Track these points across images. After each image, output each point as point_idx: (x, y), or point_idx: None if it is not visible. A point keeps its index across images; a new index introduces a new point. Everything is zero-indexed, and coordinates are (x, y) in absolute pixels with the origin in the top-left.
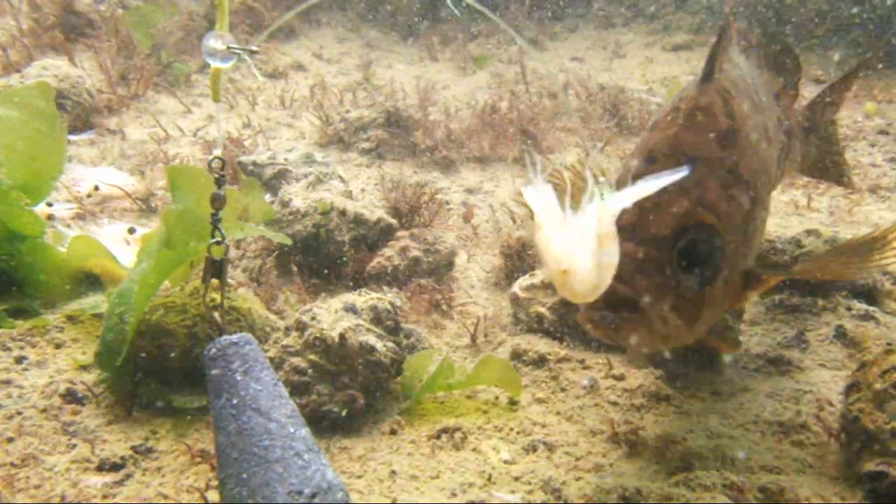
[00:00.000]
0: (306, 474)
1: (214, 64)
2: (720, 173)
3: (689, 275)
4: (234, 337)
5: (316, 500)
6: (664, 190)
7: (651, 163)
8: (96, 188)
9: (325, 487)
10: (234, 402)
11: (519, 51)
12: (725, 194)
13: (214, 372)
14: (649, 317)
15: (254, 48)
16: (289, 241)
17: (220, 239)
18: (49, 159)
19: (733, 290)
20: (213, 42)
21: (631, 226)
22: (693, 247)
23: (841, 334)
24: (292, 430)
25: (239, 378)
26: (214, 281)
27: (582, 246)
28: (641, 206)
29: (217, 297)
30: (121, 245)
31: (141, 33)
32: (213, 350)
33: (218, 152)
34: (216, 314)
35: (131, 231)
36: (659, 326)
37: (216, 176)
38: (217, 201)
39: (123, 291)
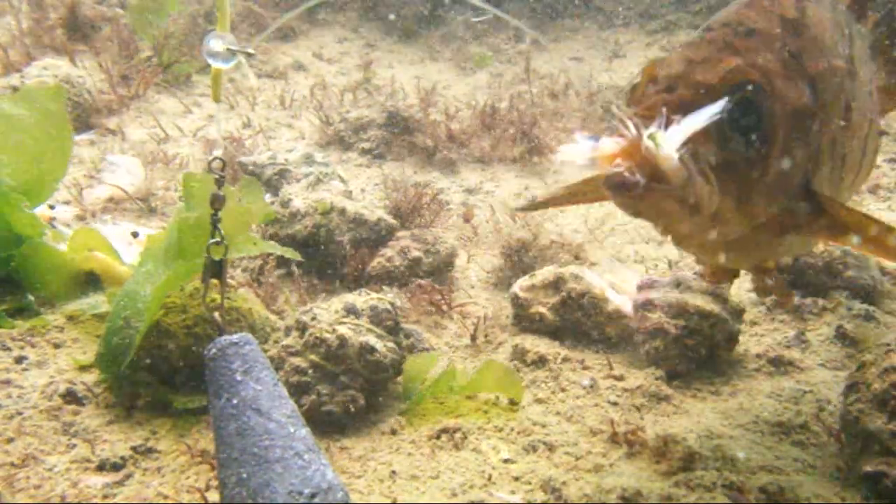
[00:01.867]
0: (306, 474)
1: (215, 65)
2: (780, 51)
3: (737, 136)
4: (234, 337)
5: (316, 500)
6: (714, 47)
7: (707, 30)
8: (135, 235)
9: (325, 487)
10: (234, 402)
11: (526, 49)
12: (784, 72)
13: (214, 372)
14: (690, 174)
15: (250, 50)
16: (299, 257)
17: (219, 239)
18: (54, 161)
19: (789, 202)
20: (214, 43)
21: (676, 76)
22: (743, 107)
23: (841, 334)
24: (292, 430)
25: (239, 378)
26: (214, 281)
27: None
28: (689, 60)
29: (217, 297)
30: (123, 247)
31: (143, 31)
32: (213, 350)
33: (218, 153)
34: (216, 314)
35: (135, 235)
36: (702, 191)
37: (216, 176)
38: (217, 202)
39: (129, 293)
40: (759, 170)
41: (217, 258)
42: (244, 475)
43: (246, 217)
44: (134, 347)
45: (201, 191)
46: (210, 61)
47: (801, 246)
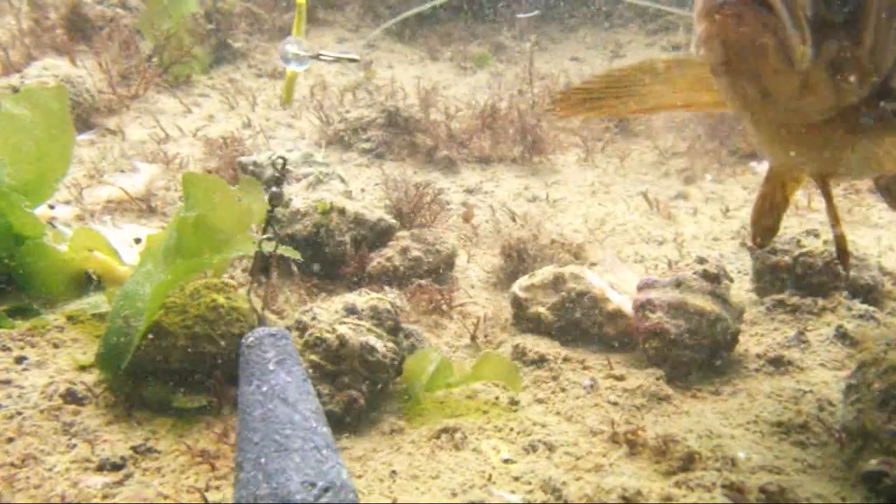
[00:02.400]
0: (322, 468)
1: (291, 69)
2: None
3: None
4: (273, 329)
5: (328, 495)
6: None
7: None
8: (137, 241)
9: (338, 484)
10: (264, 389)
11: (530, 48)
12: None
13: (248, 359)
14: (783, 22)
15: (355, 56)
16: (298, 255)
17: (272, 235)
18: (56, 161)
19: (871, 91)
20: (291, 47)
21: None
22: None
23: (841, 334)
24: (314, 426)
25: (272, 368)
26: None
27: None
28: None
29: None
30: (124, 248)
31: (147, 31)
32: (251, 338)
33: (284, 153)
34: (258, 305)
35: (137, 241)
36: (793, 37)
37: (277, 175)
38: (275, 199)
39: (128, 293)
40: (851, 41)
41: (267, 252)
42: (262, 460)
43: (246, 215)
44: (133, 347)
45: (201, 191)
46: (287, 66)
47: (869, 160)
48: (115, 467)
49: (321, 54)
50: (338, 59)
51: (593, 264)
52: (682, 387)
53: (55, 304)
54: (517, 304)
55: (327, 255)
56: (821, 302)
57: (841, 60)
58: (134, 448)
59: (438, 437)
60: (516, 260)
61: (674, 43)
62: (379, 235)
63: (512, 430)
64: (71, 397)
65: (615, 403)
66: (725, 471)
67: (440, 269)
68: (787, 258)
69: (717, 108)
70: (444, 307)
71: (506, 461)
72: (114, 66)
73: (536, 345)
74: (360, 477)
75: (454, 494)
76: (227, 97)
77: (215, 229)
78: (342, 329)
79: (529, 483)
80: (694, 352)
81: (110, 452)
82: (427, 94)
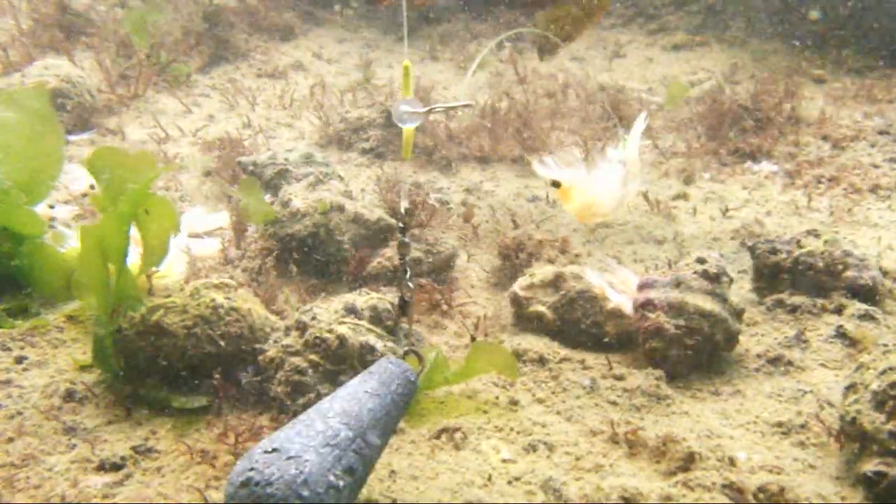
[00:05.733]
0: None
1: (407, 127)
2: None
3: None
4: (394, 360)
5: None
6: None
7: None
8: (92, 187)
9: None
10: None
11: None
12: None
13: (377, 370)
14: None
15: (469, 102)
16: (234, 191)
17: (409, 284)
18: (47, 159)
19: None
20: (404, 107)
21: None
22: None
23: (841, 334)
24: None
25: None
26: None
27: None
28: None
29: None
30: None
31: (138, 35)
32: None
33: (405, 203)
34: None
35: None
36: None
37: (401, 225)
38: (403, 247)
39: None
40: None
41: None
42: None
43: (144, 165)
44: (106, 325)
45: (100, 164)
46: (401, 125)
47: None
48: (115, 467)
49: (433, 108)
50: (452, 108)
51: (577, 255)
52: (682, 387)
53: (55, 304)
54: (517, 303)
55: (327, 255)
56: (821, 302)
57: None
58: (134, 448)
59: (438, 437)
60: (515, 260)
61: (674, 43)
62: (379, 235)
63: (512, 429)
64: (71, 397)
65: (615, 403)
66: (725, 471)
67: (440, 269)
68: (787, 258)
69: None
70: (444, 307)
71: (506, 461)
72: (112, 66)
73: (536, 345)
74: None
75: (454, 494)
76: (227, 97)
77: (121, 187)
78: (342, 329)
79: (529, 483)
80: (694, 351)
81: (110, 452)
82: (426, 93)
